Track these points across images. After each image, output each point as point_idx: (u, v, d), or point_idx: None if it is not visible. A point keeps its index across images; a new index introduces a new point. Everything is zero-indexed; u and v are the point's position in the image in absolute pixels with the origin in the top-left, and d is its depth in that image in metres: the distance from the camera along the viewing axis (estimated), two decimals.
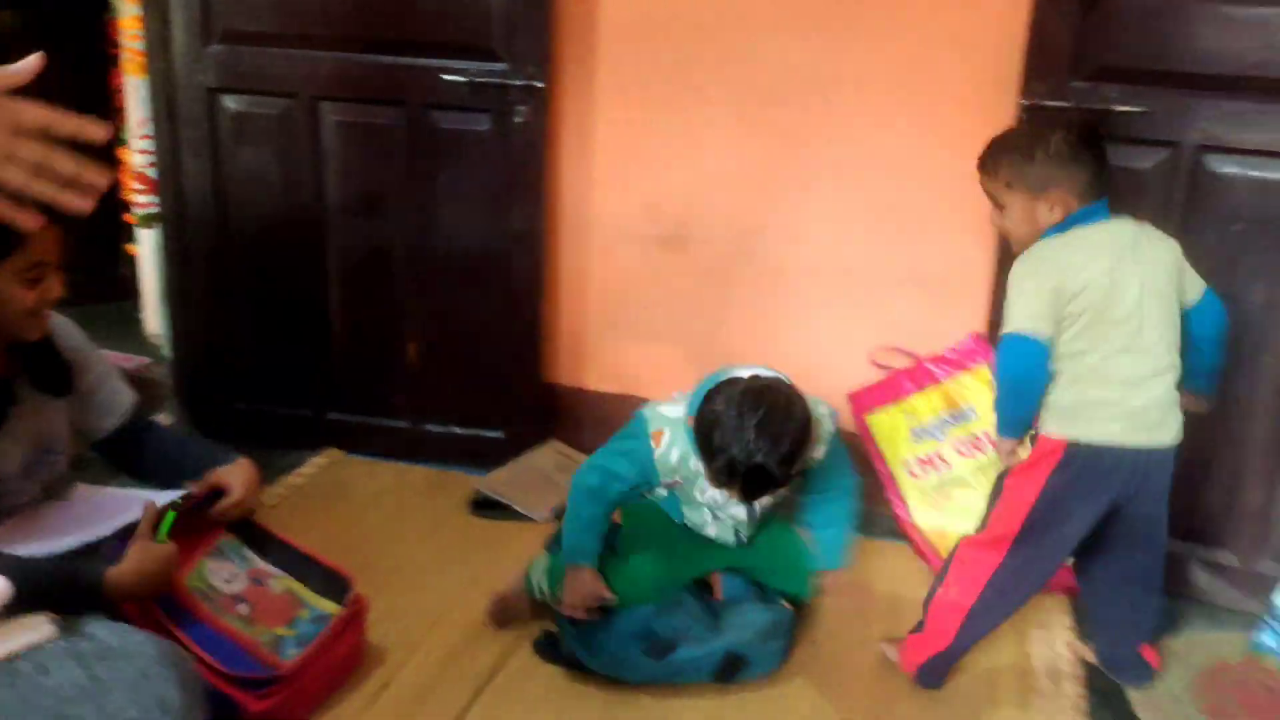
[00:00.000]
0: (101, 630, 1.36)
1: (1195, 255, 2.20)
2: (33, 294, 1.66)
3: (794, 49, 2.51)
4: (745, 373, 1.91)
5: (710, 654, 2.00)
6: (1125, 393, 1.85)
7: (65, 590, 1.52)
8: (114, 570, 1.60)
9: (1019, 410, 1.92)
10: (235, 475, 1.90)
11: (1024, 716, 1.99)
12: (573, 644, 2.03)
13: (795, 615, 2.13)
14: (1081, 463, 1.86)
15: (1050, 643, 2.20)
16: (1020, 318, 1.86)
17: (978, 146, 2.44)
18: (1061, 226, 1.88)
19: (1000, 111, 2.33)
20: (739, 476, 1.81)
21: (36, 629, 1.31)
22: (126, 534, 1.70)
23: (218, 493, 1.88)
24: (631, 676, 2.01)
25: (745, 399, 1.82)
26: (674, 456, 1.98)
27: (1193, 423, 2.28)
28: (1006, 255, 2.07)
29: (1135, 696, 2.06)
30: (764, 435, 1.79)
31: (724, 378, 1.91)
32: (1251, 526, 2.32)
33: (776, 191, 2.62)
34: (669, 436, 1.98)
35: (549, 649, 2.10)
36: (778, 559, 2.14)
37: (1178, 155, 2.19)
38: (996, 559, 1.93)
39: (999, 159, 1.94)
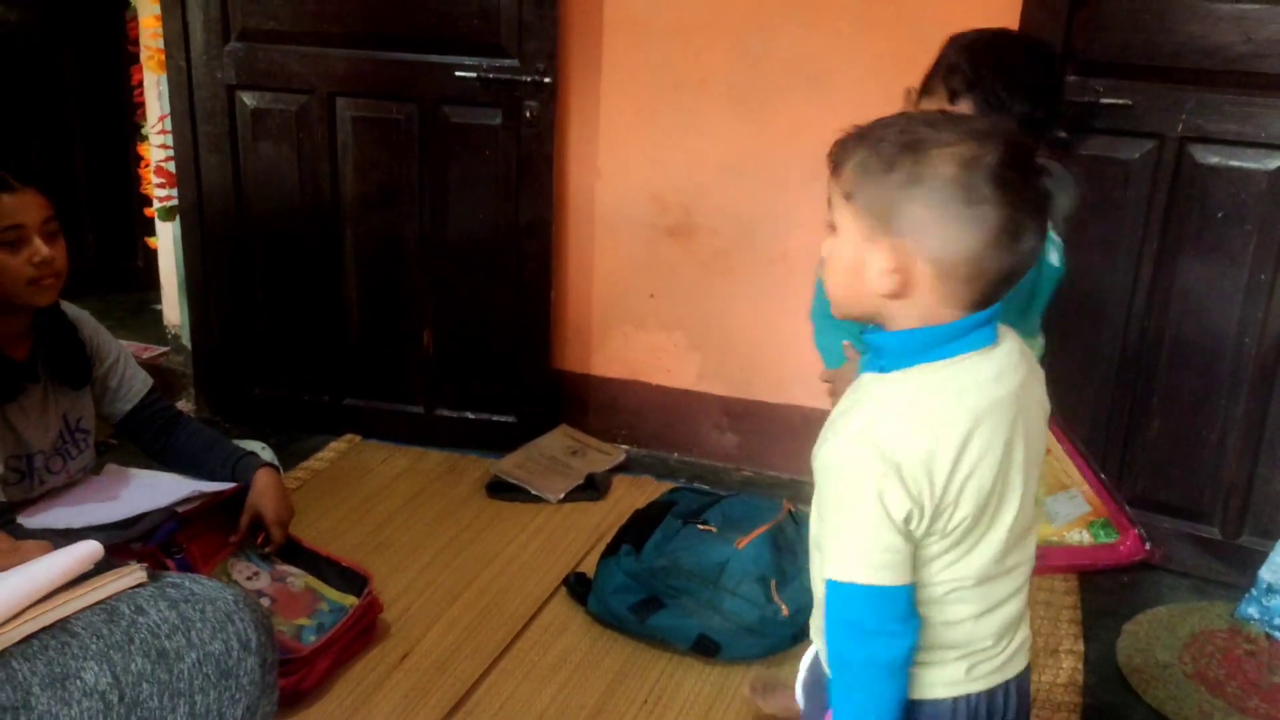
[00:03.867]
0: (184, 579, 1.50)
1: (1179, 245, 2.30)
2: (18, 259, 1.73)
3: (790, 43, 2.59)
4: None
5: (687, 628, 2.07)
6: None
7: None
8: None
9: None
10: (266, 502, 2.03)
11: None
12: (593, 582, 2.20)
13: (790, 620, 2.08)
14: None
15: (1054, 620, 2.28)
16: None
17: None
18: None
19: None
20: None
21: (129, 576, 1.45)
22: (169, 514, 1.84)
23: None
24: (616, 626, 2.14)
25: None
26: None
27: (1180, 403, 2.38)
28: None
29: (1126, 666, 2.15)
30: None
31: None
32: (1234, 502, 2.40)
33: (777, 180, 2.70)
34: None
35: (578, 589, 2.26)
36: None
37: (1162, 146, 2.28)
38: None
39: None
